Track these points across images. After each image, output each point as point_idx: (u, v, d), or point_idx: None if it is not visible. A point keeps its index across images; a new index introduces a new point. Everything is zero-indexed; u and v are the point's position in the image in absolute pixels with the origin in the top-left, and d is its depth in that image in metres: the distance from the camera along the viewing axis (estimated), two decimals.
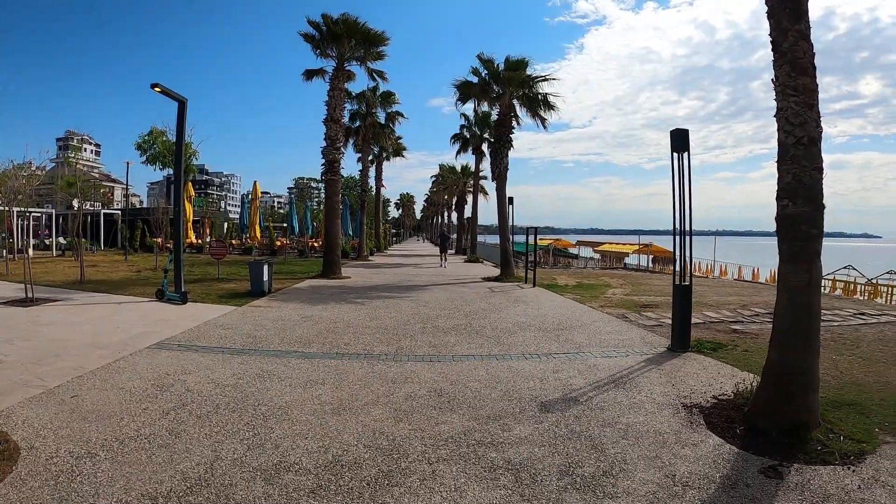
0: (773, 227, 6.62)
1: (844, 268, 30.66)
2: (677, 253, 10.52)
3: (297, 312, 14.32)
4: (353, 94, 40.03)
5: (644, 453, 5.66)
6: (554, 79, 27.80)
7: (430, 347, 10.53)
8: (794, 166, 6.29)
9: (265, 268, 17.90)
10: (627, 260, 52.24)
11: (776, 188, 6.51)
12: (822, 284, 28.19)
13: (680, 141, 10.21)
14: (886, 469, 5.41)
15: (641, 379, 8.61)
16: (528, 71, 27.39)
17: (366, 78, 29.66)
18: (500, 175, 28.66)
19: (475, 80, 28.28)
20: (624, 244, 60.21)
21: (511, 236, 29.48)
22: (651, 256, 48.84)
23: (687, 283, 10.69)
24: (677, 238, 10.39)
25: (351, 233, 47.99)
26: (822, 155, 6.34)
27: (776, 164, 6.54)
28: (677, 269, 10.71)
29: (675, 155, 10.22)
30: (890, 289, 25.22)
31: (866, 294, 25.86)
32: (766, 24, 6.66)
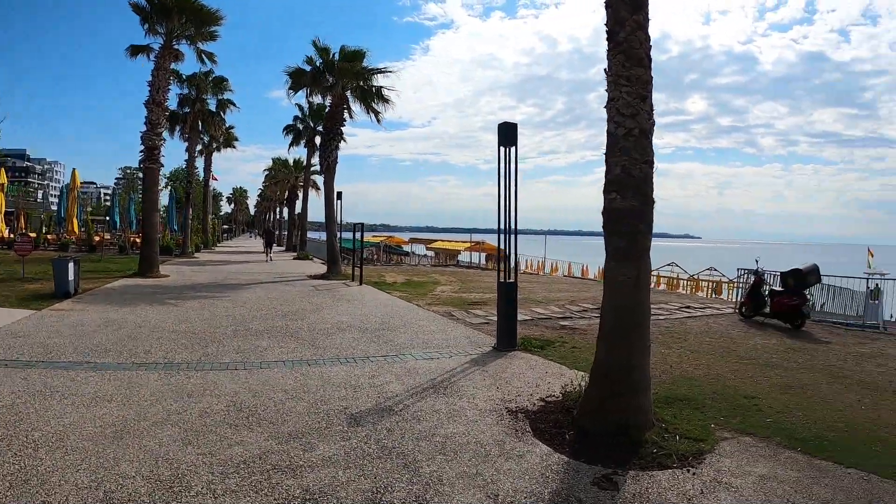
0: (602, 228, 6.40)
1: (668, 265, 32.56)
2: (504, 249, 10.37)
3: (101, 316, 12.70)
4: (185, 76, 37.26)
5: (463, 470, 5.16)
6: (390, 71, 27.06)
7: (238, 353, 9.61)
8: (624, 158, 6.09)
9: (70, 266, 15.90)
10: (460, 257, 52.73)
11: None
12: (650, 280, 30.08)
13: (508, 135, 10.00)
14: (728, 468, 5.31)
15: (464, 382, 8.20)
16: (365, 63, 26.63)
17: (199, 62, 27.22)
18: (328, 168, 27.71)
19: (308, 68, 27.06)
20: (457, 242, 60.77)
21: (340, 232, 28.74)
22: (484, 254, 49.55)
23: (512, 281, 10.55)
24: (502, 235, 10.20)
25: (177, 227, 44.72)
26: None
27: (604, 157, 6.32)
28: (508, 265, 10.57)
29: (503, 149, 10.01)
30: (710, 283, 26.93)
31: (689, 289, 27.48)
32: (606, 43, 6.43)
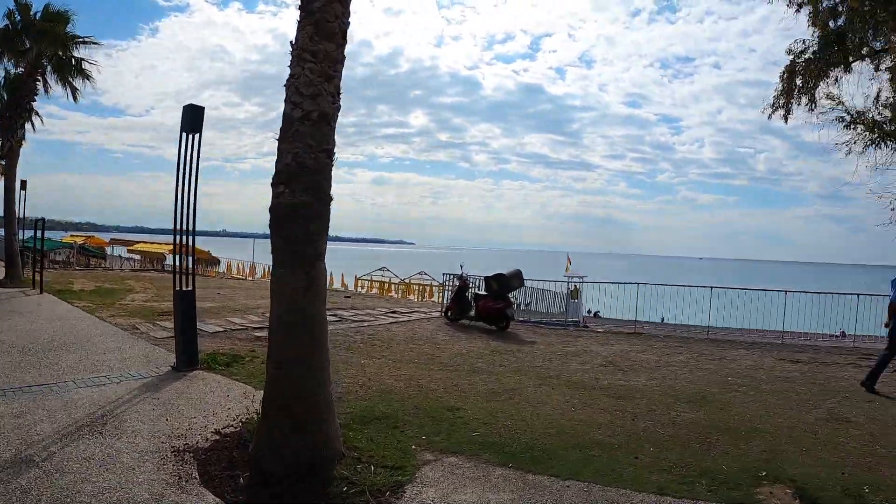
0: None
1: (380, 269, 32.78)
2: (181, 251, 8.95)
3: None
4: None
5: None
6: (96, 43, 22.81)
7: None
8: (298, 145, 5.06)
9: None
10: (168, 261, 48.48)
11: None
12: (362, 285, 30.23)
13: (193, 119, 8.46)
14: (431, 501, 4.60)
15: (130, 415, 6.56)
16: (69, 29, 22.12)
17: None
18: (11, 150, 22.29)
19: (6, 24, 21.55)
20: (161, 244, 55.88)
21: (22, 230, 23.96)
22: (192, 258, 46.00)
23: (189, 289, 9.04)
24: (180, 237, 8.76)
25: None
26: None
27: (277, 143, 5.26)
28: (187, 270, 8.96)
29: (186, 136, 8.48)
30: (420, 287, 27.48)
31: (399, 292, 27.76)
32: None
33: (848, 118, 13.64)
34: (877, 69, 13.72)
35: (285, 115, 5.18)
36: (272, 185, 5.18)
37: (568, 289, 19.89)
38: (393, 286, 29.32)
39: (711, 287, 16.66)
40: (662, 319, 21.04)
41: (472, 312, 14.76)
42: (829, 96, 13.70)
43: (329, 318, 13.73)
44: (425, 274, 31.18)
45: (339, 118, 5.37)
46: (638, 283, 17.11)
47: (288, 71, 5.21)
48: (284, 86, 5.26)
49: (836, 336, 16.75)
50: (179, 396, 7.38)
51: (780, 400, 8.54)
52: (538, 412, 7.18)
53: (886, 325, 9.59)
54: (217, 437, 5.85)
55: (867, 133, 13.31)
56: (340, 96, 5.39)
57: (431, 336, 12.74)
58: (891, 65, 13.12)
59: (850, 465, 5.92)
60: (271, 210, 5.18)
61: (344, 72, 5.44)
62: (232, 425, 6.19)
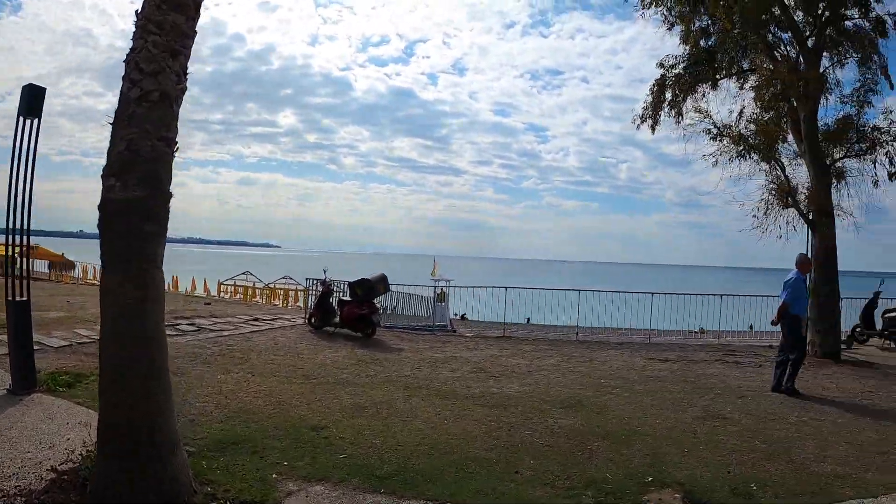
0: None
1: (243, 273, 31.26)
2: (12, 254, 7.71)
3: None
4: None
5: None
6: None
7: None
8: (133, 130, 4.26)
9: None
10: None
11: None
12: (226, 290, 28.69)
13: (33, 102, 7.25)
14: None
15: None
16: None
17: None
18: None
19: None
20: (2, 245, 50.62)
21: None
22: (46, 261, 42.09)
23: (24, 299, 7.74)
24: (12, 236, 7.48)
25: None
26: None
27: (111, 129, 4.45)
28: (21, 275, 7.68)
29: (24, 121, 7.25)
30: (285, 292, 26.39)
31: (264, 298, 26.56)
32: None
33: (715, 130, 14.20)
34: (741, 88, 14.48)
35: (122, 96, 4.38)
36: (102, 177, 4.38)
37: (435, 292, 19.61)
38: (258, 291, 28.04)
39: (580, 290, 16.73)
40: (528, 320, 21.31)
41: (337, 319, 14.11)
42: (698, 109, 14.24)
43: (186, 327, 12.95)
44: (290, 278, 30.07)
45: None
46: (506, 287, 17.06)
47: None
48: (124, 62, 4.48)
49: (696, 333, 17.38)
50: (13, 426, 6.21)
51: (654, 400, 8.58)
52: (409, 427, 6.73)
53: (774, 324, 9.76)
54: (54, 476, 4.85)
55: (734, 145, 13.88)
56: (188, 77, 4.67)
57: (294, 345, 11.97)
58: (756, 84, 13.81)
59: (734, 462, 5.93)
60: (100, 207, 4.37)
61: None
62: (71, 460, 5.17)
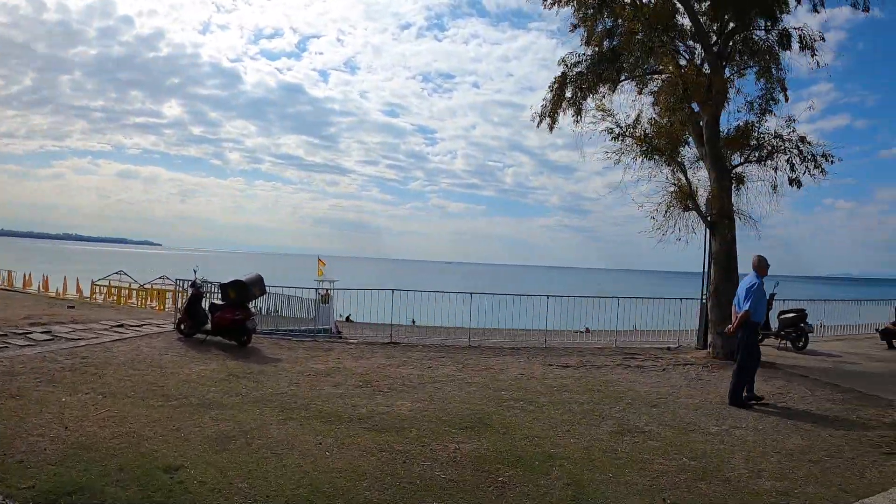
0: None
1: (117, 273, 28.76)
2: None
3: None
4: None
5: None
6: None
7: None
8: None
9: None
10: None
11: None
12: (100, 290, 26.28)
13: None
14: None
15: None
16: None
17: None
18: None
19: None
20: None
21: None
22: None
23: None
24: None
25: None
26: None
27: None
28: None
29: None
30: (161, 293, 24.36)
31: (139, 299, 24.45)
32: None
33: (617, 130, 13.75)
34: (640, 92, 14.11)
35: None
36: None
37: (318, 293, 18.72)
38: (133, 292, 25.76)
39: (471, 293, 15.76)
40: (413, 322, 20.62)
41: (209, 326, 12.52)
42: (601, 108, 13.75)
43: (39, 336, 11.19)
44: (167, 278, 27.92)
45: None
46: (393, 290, 15.68)
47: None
48: None
49: (582, 332, 17.06)
50: None
51: (563, 414, 7.81)
52: (285, 463, 5.53)
53: (731, 333, 9.20)
54: None
55: (637, 145, 13.45)
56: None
57: (158, 357, 10.40)
58: (659, 87, 13.46)
59: (667, 487, 5.26)
60: None
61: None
62: None
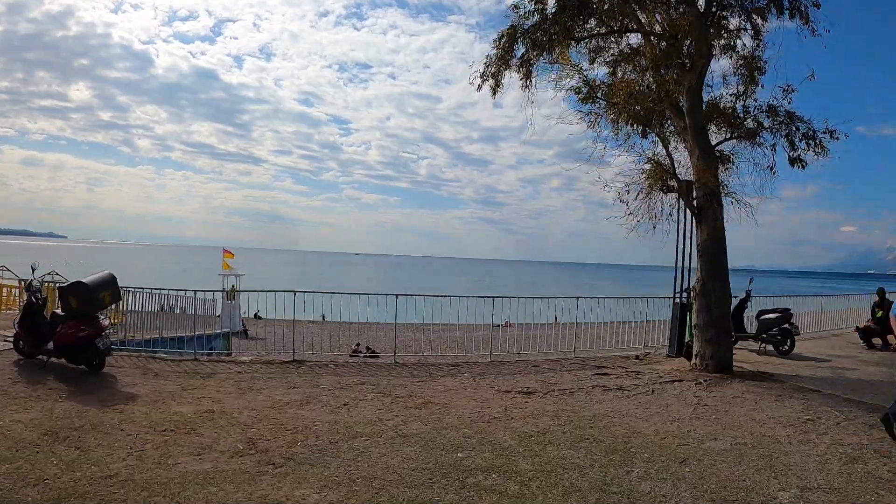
0: None
1: None
2: None
3: None
4: None
5: None
6: None
7: None
8: None
9: None
10: None
11: None
12: None
13: None
14: None
15: None
16: None
17: None
18: None
19: None
20: None
21: None
22: None
23: None
24: None
25: None
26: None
27: None
28: None
29: None
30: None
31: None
32: None
33: (586, 90, 10.72)
34: (592, 61, 11.10)
35: None
36: None
37: (223, 289, 16.59)
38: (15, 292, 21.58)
39: (397, 295, 11.80)
40: (323, 317, 17.86)
41: (51, 344, 8.78)
42: (565, 60, 10.53)
43: None
44: (57, 274, 23.75)
45: None
46: (295, 292, 11.71)
47: None
48: None
49: (502, 326, 14.06)
50: None
51: (567, 496, 4.78)
52: None
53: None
54: None
55: (616, 107, 10.14)
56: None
57: None
58: (627, 50, 10.66)
59: None
60: None
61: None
62: None
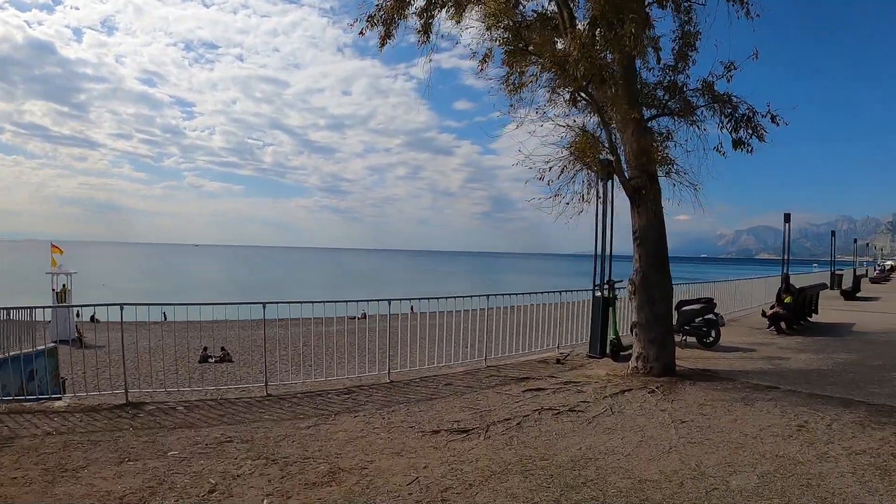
0: None
1: None
2: None
3: None
4: None
5: None
6: None
7: None
8: None
9: None
10: None
11: None
12: None
13: None
14: None
15: None
16: None
17: None
18: None
19: None
20: None
21: None
22: None
23: None
24: None
25: None
26: None
27: None
28: None
29: None
30: None
31: None
32: None
33: (520, 45, 8.44)
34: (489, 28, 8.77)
35: None
36: None
37: (54, 290, 15.18)
38: None
39: (264, 303, 9.06)
40: (164, 316, 16.24)
41: None
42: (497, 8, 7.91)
43: None
44: None
45: None
46: (122, 304, 8.64)
47: None
48: None
49: (360, 318, 12.58)
50: None
51: None
52: None
53: None
54: None
55: (550, 65, 7.96)
56: None
57: None
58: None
59: None
60: None
61: None
62: None
